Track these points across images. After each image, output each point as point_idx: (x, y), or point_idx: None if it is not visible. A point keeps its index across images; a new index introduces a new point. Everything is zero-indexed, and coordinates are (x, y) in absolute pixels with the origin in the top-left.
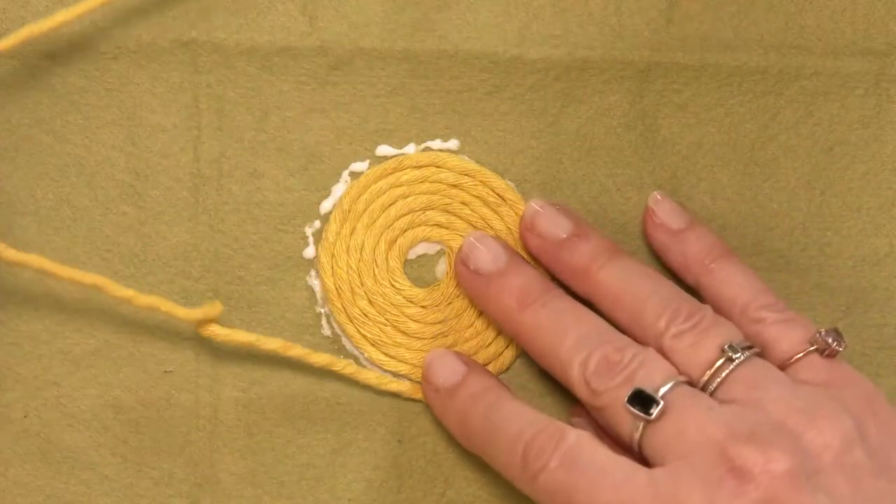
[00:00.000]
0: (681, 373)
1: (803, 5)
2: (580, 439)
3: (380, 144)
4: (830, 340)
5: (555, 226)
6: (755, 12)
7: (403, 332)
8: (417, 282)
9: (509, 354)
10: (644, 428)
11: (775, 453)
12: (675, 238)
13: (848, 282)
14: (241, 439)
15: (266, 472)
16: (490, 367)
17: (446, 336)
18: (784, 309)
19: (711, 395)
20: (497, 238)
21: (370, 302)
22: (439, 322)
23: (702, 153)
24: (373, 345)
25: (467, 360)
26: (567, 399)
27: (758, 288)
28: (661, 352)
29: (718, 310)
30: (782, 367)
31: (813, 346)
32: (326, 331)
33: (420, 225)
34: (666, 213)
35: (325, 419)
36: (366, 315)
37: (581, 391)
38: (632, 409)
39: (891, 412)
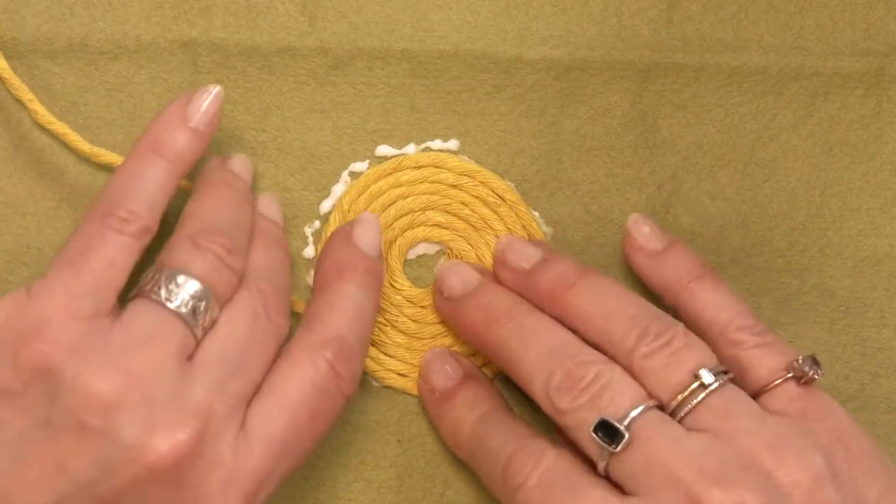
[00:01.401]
0: (651, 395)
1: (803, 5)
2: (559, 460)
3: (380, 144)
4: (807, 368)
5: (524, 256)
6: (755, 12)
7: (403, 332)
8: (417, 282)
9: None
10: (610, 457)
11: (744, 494)
12: (653, 260)
13: (848, 282)
14: None
15: None
16: (488, 368)
17: (446, 336)
18: (763, 331)
19: (681, 420)
20: (469, 264)
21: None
22: (439, 322)
23: (702, 153)
24: (372, 345)
25: (466, 365)
26: None
27: (737, 309)
28: (632, 371)
29: (697, 331)
30: (758, 393)
31: (790, 373)
32: None
33: (420, 225)
34: (644, 236)
35: None
36: None
37: (545, 408)
38: (597, 439)
39: (863, 445)
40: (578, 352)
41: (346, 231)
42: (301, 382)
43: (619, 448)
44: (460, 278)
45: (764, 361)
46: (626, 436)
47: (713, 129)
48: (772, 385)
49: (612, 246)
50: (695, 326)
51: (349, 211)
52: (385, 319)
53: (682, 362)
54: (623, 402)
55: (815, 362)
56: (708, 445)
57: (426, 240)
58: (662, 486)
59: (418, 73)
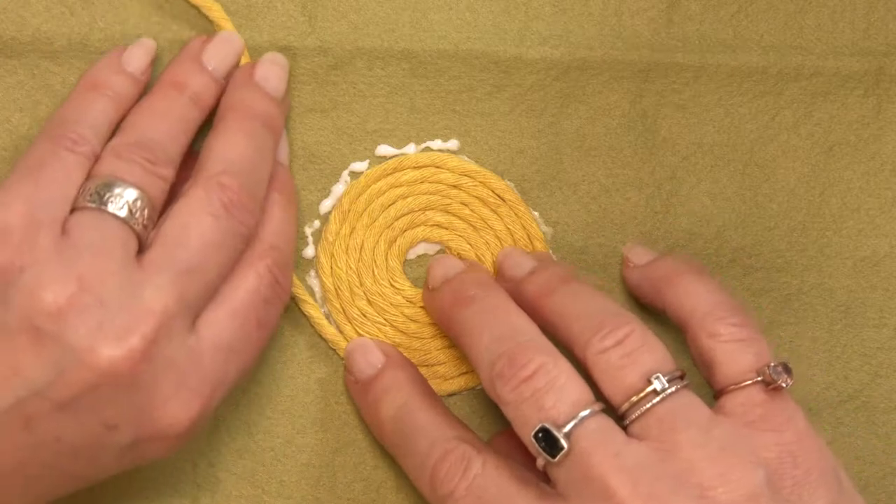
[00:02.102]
0: (602, 395)
1: (803, 5)
2: (486, 467)
3: (380, 144)
4: (776, 376)
5: (518, 266)
6: (755, 12)
7: (403, 333)
8: (417, 282)
9: None
10: (546, 460)
11: None
12: (643, 269)
13: (848, 282)
14: (241, 439)
15: (266, 472)
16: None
17: (444, 336)
18: (742, 324)
19: (629, 424)
20: (463, 260)
21: (369, 302)
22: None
23: (702, 153)
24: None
25: (390, 352)
26: None
27: (718, 300)
28: (588, 368)
29: (679, 321)
30: (723, 390)
31: (759, 376)
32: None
33: (420, 225)
34: (636, 256)
35: (324, 419)
36: (365, 315)
37: (491, 395)
38: (536, 446)
39: (815, 458)
40: (529, 339)
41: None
42: (248, 292)
43: (557, 458)
44: (443, 268)
45: (736, 358)
46: (566, 447)
47: (713, 129)
48: (738, 385)
49: (612, 246)
50: (677, 316)
51: (349, 211)
52: (385, 319)
53: (636, 364)
54: (566, 405)
55: (786, 369)
56: (647, 459)
57: (426, 240)
58: (595, 499)
59: (418, 72)
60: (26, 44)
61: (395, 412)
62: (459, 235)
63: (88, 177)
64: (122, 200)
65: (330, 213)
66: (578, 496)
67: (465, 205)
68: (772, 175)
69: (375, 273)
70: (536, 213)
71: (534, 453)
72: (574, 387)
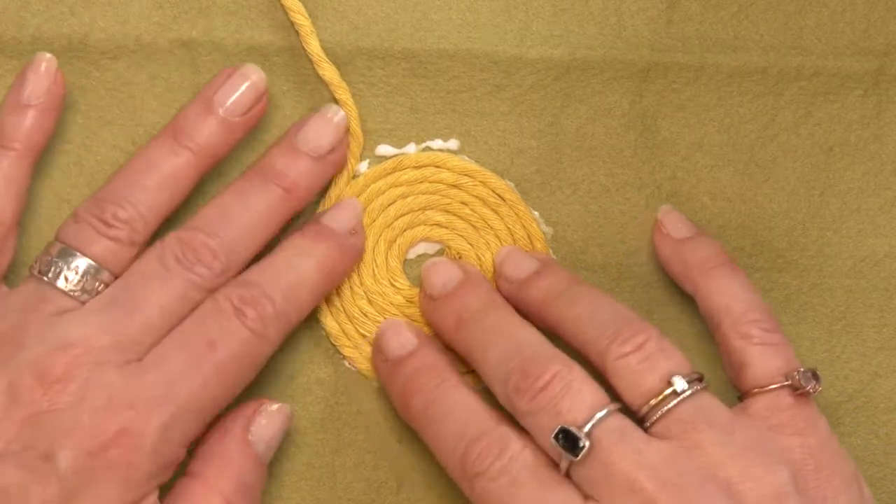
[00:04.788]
0: (622, 398)
1: (803, 5)
2: (524, 452)
3: (380, 144)
4: (805, 382)
5: (519, 268)
6: (755, 12)
7: None
8: (417, 281)
9: None
10: (570, 462)
11: None
12: (678, 246)
13: (848, 282)
14: None
15: (266, 471)
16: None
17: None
18: (773, 329)
19: (650, 427)
20: (457, 262)
21: (369, 301)
22: None
23: (702, 153)
24: (372, 344)
25: (422, 336)
26: None
27: (752, 302)
28: (606, 374)
29: (710, 317)
30: (749, 392)
31: (787, 381)
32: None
33: (419, 225)
34: (672, 224)
35: (324, 419)
36: (365, 314)
37: (509, 409)
38: (557, 445)
39: (838, 465)
40: (539, 350)
41: (317, 215)
42: (197, 316)
43: (579, 457)
44: (441, 277)
45: (766, 362)
46: (586, 445)
47: (713, 129)
48: (765, 388)
49: (612, 246)
50: (708, 313)
51: None
52: (384, 319)
53: (655, 368)
54: (583, 408)
55: (815, 376)
56: (670, 455)
57: (426, 239)
58: (622, 496)
59: (418, 72)
60: (26, 44)
61: (428, 393)
62: (459, 235)
63: (52, 240)
64: (63, 270)
65: None
66: (604, 495)
67: (465, 204)
68: (772, 175)
69: (375, 272)
70: (536, 213)
71: (555, 458)
72: (590, 390)
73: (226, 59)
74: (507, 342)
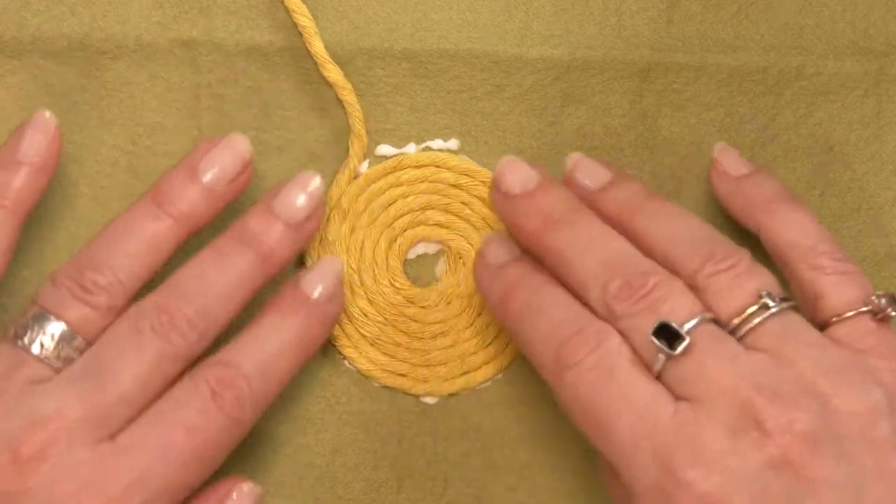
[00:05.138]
0: (712, 313)
1: (803, 5)
2: (622, 347)
3: (380, 144)
4: (884, 304)
5: (592, 176)
6: (755, 12)
7: (403, 332)
8: (417, 281)
9: (509, 354)
10: (665, 362)
11: (799, 414)
12: (738, 183)
13: None
14: None
15: (266, 473)
16: (489, 367)
17: (446, 335)
18: (844, 260)
19: (739, 341)
20: (529, 163)
21: (370, 301)
22: (439, 322)
23: (702, 153)
24: (372, 344)
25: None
26: None
27: (820, 234)
28: (696, 290)
29: (778, 253)
30: (828, 322)
31: (866, 306)
32: None
33: (420, 224)
34: (729, 161)
35: (324, 419)
36: (365, 315)
37: (600, 312)
38: (656, 342)
39: None
40: (638, 262)
41: (295, 278)
42: (174, 398)
43: (678, 351)
44: (519, 176)
45: (842, 290)
46: (687, 340)
47: (713, 129)
48: (846, 315)
49: None
50: (776, 248)
51: (349, 210)
52: (385, 319)
53: (745, 285)
54: (682, 311)
55: (893, 300)
56: (765, 364)
57: (426, 239)
58: (717, 396)
59: (419, 72)
60: (26, 44)
61: (533, 288)
62: (459, 235)
63: (29, 302)
64: (38, 336)
65: (329, 213)
66: (698, 394)
67: (466, 204)
68: (772, 175)
69: (376, 272)
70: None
71: (647, 360)
72: (688, 298)
73: (226, 59)
74: (603, 249)
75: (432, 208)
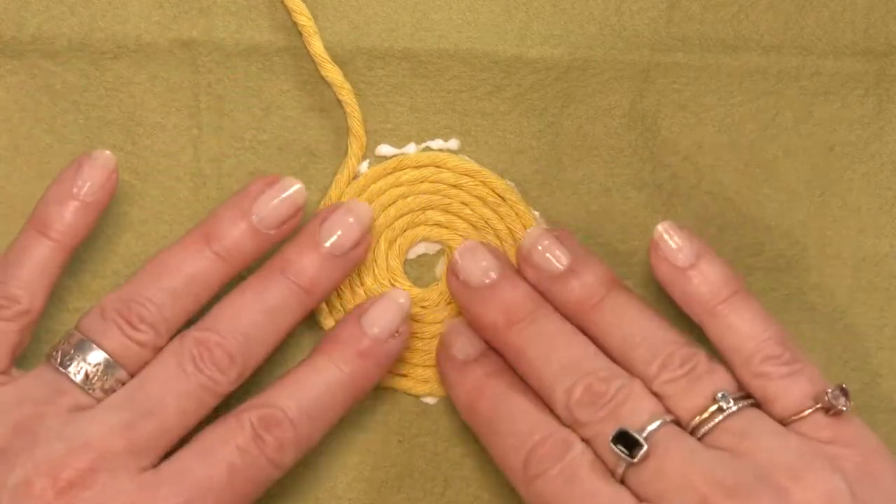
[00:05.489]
0: (670, 413)
1: (803, 5)
2: (584, 454)
3: (380, 144)
4: (835, 401)
5: (551, 259)
6: (755, 12)
7: None
8: (417, 282)
9: None
10: (627, 467)
11: None
12: (679, 275)
13: (848, 282)
14: None
15: None
16: None
17: None
18: (791, 360)
19: (700, 440)
20: (490, 248)
21: None
22: (439, 322)
23: (702, 153)
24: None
25: (482, 344)
26: None
27: (764, 336)
28: (651, 390)
29: (722, 356)
30: (784, 423)
31: (818, 404)
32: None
33: (420, 225)
34: (670, 249)
35: None
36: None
37: (564, 418)
38: (615, 449)
39: (889, 475)
40: (600, 366)
41: (358, 310)
42: (218, 436)
43: (637, 459)
44: (479, 266)
45: (790, 391)
46: (645, 447)
47: (713, 129)
48: (799, 415)
49: (613, 246)
50: (718, 352)
51: None
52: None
53: (702, 387)
54: (642, 414)
55: (843, 392)
56: (723, 460)
57: (426, 239)
58: (676, 495)
59: (419, 72)
60: (26, 44)
61: (498, 392)
62: (460, 235)
63: (73, 329)
64: (83, 365)
65: None
66: (659, 496)
67: (466, 204)
68: (772, 175)
69: (376, 272)
70: (537, 213)
71: (610, 465)
72: (648, 400)
73: (226, 58)
74: (566, 351)
75: (432, 208)
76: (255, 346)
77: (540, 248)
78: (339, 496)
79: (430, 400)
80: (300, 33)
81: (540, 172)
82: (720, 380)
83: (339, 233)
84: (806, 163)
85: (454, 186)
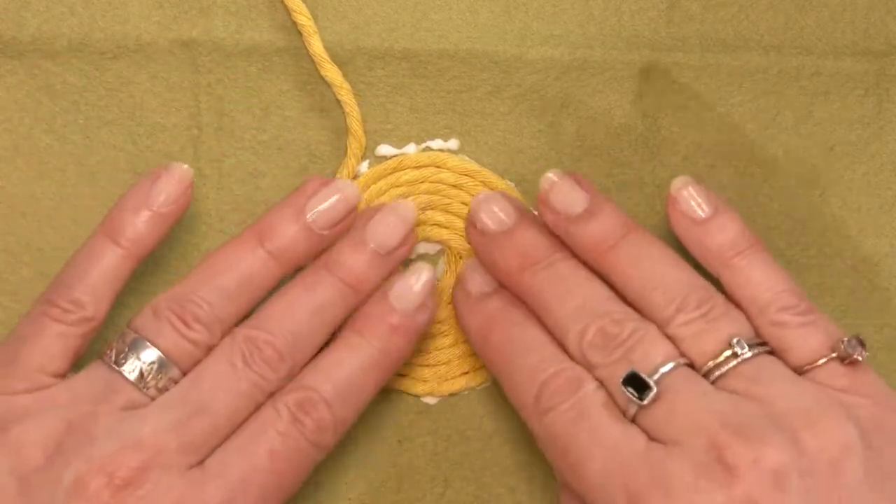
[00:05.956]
0: (684, 357)
1: (803, 5)
2: (597, 392)
3: (380, 144)
4: (851, 350)
5: (568, 201)
6: (755, 12)
7: None
8: None
9: None
10: (638, 409)
11: (766, 449)
12: (697, 228)
13: (848, 282)
14: None
15: None
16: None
17: (446, 336)
18: (806, 311)
19: (713, 384)
20: (506, 196)
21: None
22: (439, 322)
23: (702, 153)
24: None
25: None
26: None
27: (780, 287)
28: (666, 335)
29: (740, 306)
30: (799, 372)
31: (834, 353)
32: None
33: (420, 225)
34: (688, 203)
35: None
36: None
37: (576, 358)
38: (626, 391)
39: None
40: (614, 309)
41: (383, 290)
42: (259, 424)
43: (646, 401)
44: (495, 213)
45: (807, 341)
46: (655, 389)
47: (713, 129)
48: (815, 364)
49: None
50: (735, 303)
51: None
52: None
53: (718, 330)
54: (655, 357)
55: (860, 343)
56: (736, 403)
57: (426, 239)
58: (687, 435)
59: (418, 72)
60: (26, 44)
61: (511, 324)
62: (459, 235)
63: (126, 328)
64: (137, 363)
65: None
66: (669, 436)
67: (466, 204)
68: (772, 175)
69: None
70: (536, 213)
71: (622, 405)
72: (661, 343)
73: (226, 58)
74: (581, 295)
75: (432, 208)
76: (304, 343)
77: (559, 189)
78: (339, 496)
79: (430, 400)
80: (300, 33)
81: (540, 172)
82: (736, 325)
83: (383, 232)
84: (805, 163)
85: (454, 186)
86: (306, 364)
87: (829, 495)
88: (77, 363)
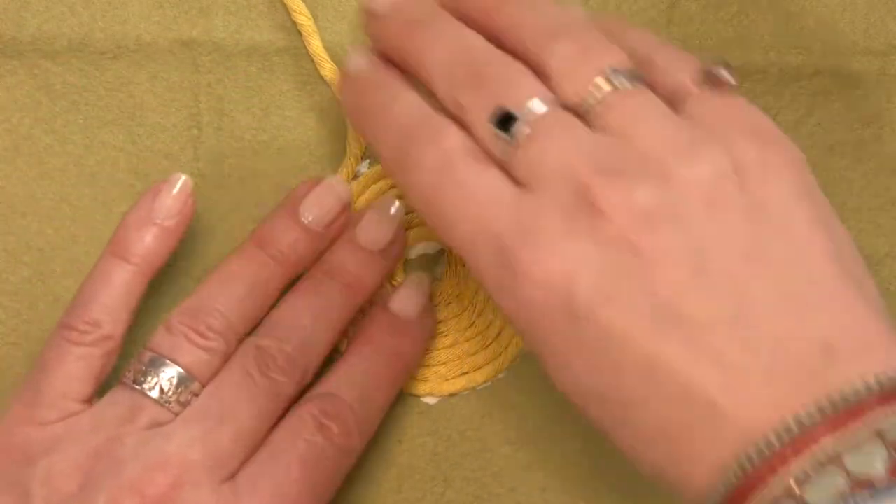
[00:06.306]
0: (560, 96)
1: (803, 5)
2: (464, 142)
3: None
4: (720, 73)
5: None
6: (755, 12)
7: None
8: None
9: (509, 354)
10: (508, 150)
11: (637, 191)
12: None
13: None
14: None
15: None
16: (490, 368)
17: (446, 335)
18: (665, 46)
19: (588, 124)
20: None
21: (370, 302)
22: (439, 322)
23: None
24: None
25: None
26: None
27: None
28: (542, 70)
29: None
30: (669, 104)
31: (703, 79)
32: None
33: (420, 224)
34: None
35: None
36: (366, 314)
37: (449, 106)
38: (494, 129)
39: (781, 143)
40: (487, 54)
41: (383, 300)
42: (285, 432)
43: (514, 139)
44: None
45: (673, 68)
46: (523, 127)
47: None
48: (686, 93)
49: None
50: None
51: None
52: None
53: (592, 62)
54: (524, 95)
55: (728, 66)
56: (609, 143)
57: (426, 239)
58: (556, 180)
59: None
60: (26, 44)
61: (378, 87)
62: None
63: (142, 349)
64: (157, 380)
65: None
66: (538, 180)
67: None
68: None
69: None
70: None
71: (490, 146)
72: (530, 80)
73: (226, 59)
74: (454, 45)
75: None
76: (313, 346)
77: None
78: (339, 496)
79: (430, 400)
80: (300, 33)
81: None
82: (614, 57)
83: (370, 230)
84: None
85: None
86: (320, 367)
87: (701, 222)
88: (101, 389)
